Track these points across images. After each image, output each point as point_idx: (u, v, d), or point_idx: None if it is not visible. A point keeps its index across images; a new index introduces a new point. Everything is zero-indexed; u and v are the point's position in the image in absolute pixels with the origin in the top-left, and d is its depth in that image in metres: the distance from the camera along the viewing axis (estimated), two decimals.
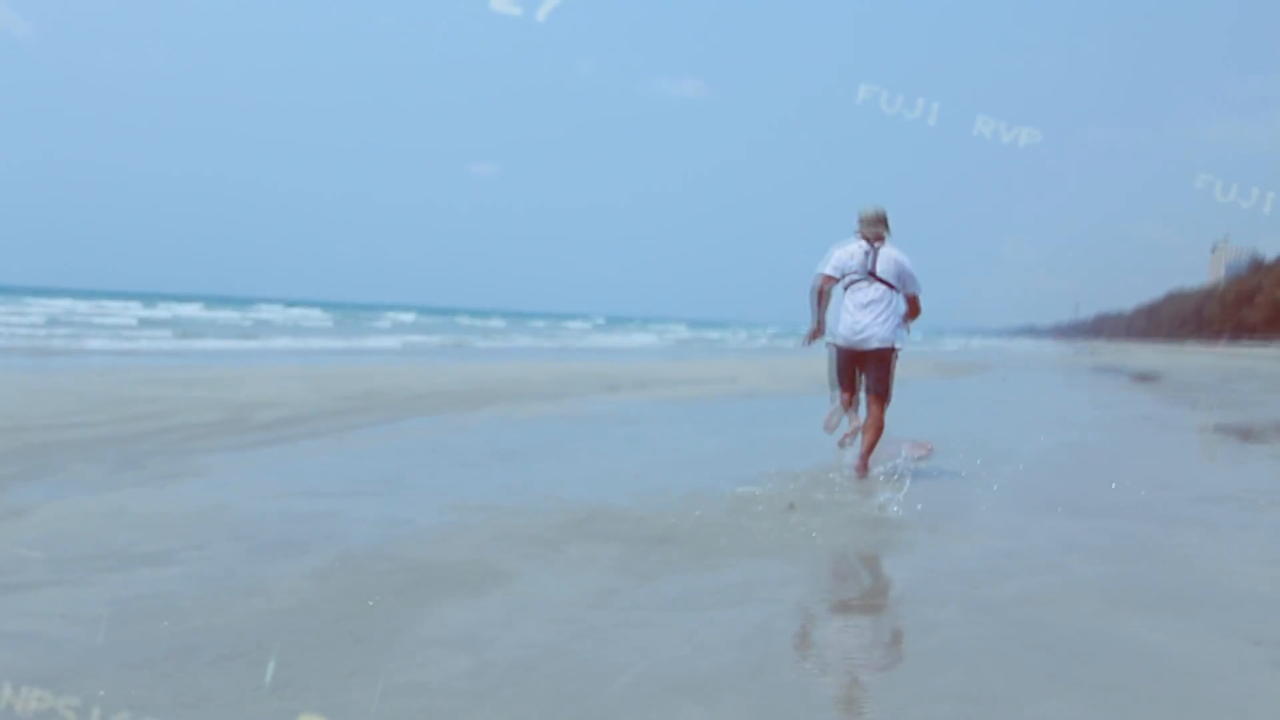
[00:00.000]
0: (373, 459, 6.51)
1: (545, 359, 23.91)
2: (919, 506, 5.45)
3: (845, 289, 6.46)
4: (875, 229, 6.47)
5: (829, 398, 6.66)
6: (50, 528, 4.30)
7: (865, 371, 6.45)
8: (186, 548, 4.02)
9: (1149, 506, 5.69)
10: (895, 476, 6.09)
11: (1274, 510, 5.67)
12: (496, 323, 65.59)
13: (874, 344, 6.36)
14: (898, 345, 6.44)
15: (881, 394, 6.40)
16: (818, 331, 6.53)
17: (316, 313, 59.78)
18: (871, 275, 6.37)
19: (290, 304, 72.13)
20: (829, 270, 6.43)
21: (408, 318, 62.72)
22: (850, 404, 6.55)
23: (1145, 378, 25.32)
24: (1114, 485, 6.48)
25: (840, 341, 6.45)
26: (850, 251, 6.45)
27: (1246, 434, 10.37)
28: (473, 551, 4.07)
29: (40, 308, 40.44)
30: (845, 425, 6.64)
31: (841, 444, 6.66)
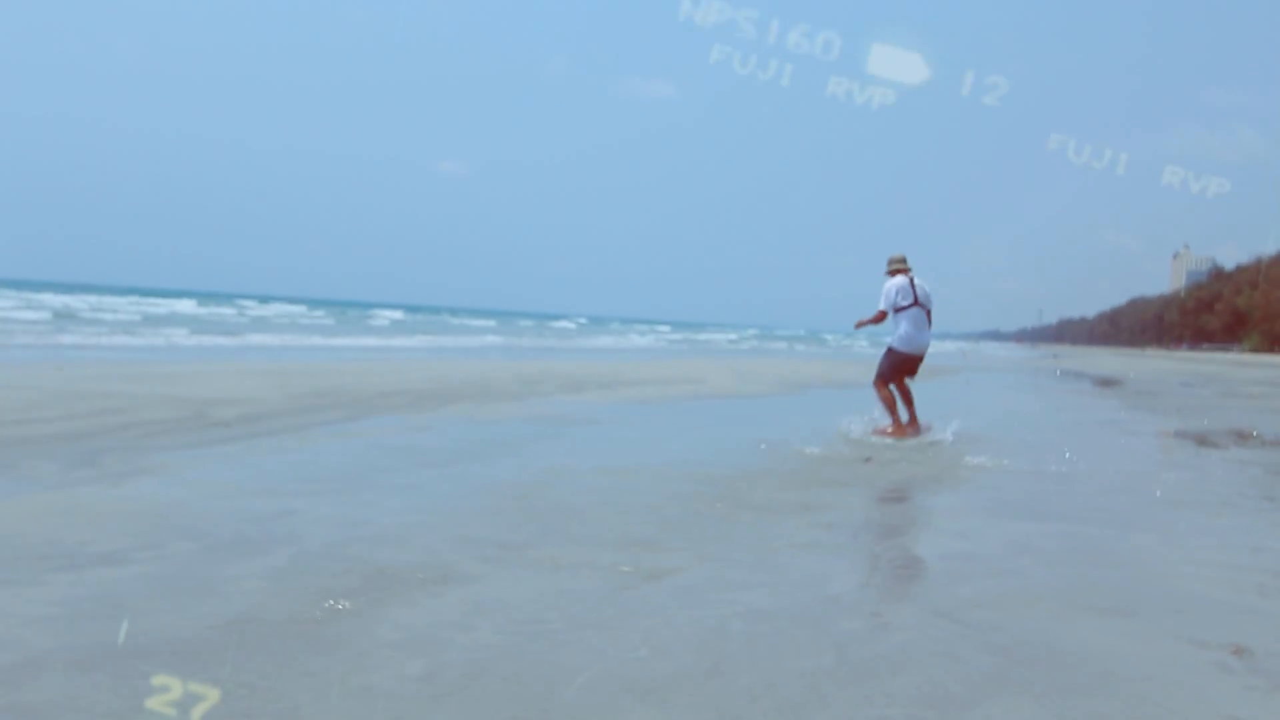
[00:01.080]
0: (332, 458, 6.46)
1: (519, 358, 23.84)
2: (876, 510, 5.50)
3: (895, 312, 8.88)
4: (903, 265, 9.01)
5: (881, 408, 8.99)
6: (1, 526, 4.23)
7: (912, 369, 9.01)
8: (140, 547, 3.97)
9: (1105, 510, 5.77)
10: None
11: (1226, 514, 5.76)
12: (486, 322, 65.72)
13: (927, 352, 9.10)
14: None
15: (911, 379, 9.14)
16: (864, 324, 9.16)
17: (302, 309, 59.61)
18: (916, 302, 8.86)
19: (264, 300, 71.63)
20: (885, 307, 8.92)
21: (396, 315, 63.00)
22: (892, 398, 8.88)
23: (1106, 382, 25.64)
24: (1071, 489, 6.57)
25: (913, 350, 8.93)
26: (899, 286, 8.88)
27: (1203, 439, 10.52)
28: (430, 553, 4.06)
29: (37, 302, 39.90)
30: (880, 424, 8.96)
31: (895, 431, 8.75)
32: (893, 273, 8.97)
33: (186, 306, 50.63)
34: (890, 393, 8.87)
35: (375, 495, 5.25)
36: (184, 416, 7.95)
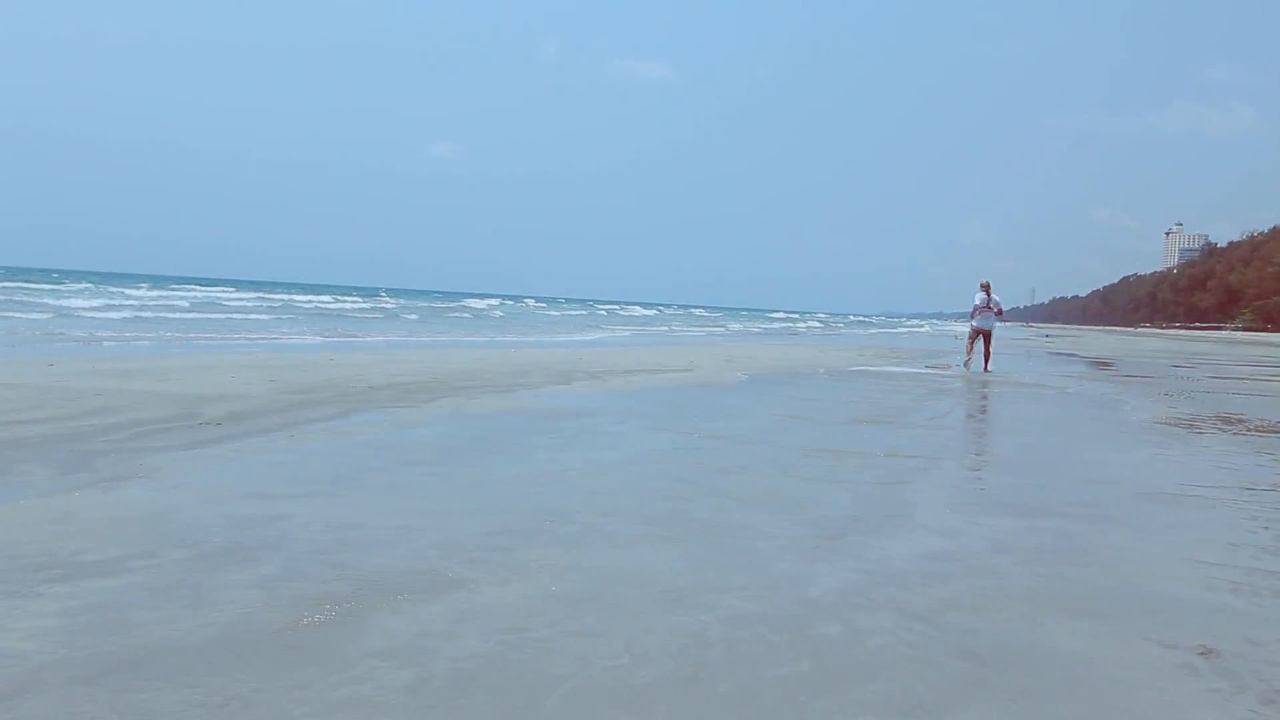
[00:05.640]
0: (322, 457, 6.52)
1: (512, 347, 23.87)
2: (857, 507, 5.58)
3: (974, 309, 21.07)
4: (987, 285, 20.79)
5: (966, 349, 21.17)
6: None
7: (982, 335, 20.90)
8: (135, 556, 4.04)
9: (1086, 505, 5.86)
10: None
11: (1205, 507, 5.86)
12: (538, 305, 67.24)
13: (992, 330, 21.30)
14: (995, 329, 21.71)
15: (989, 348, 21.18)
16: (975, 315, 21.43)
17: (345, 297, 59.95)
18: (977, 308, 20.92)
19: (275, 288, 72.00)
20: (975, 304, 21.07)
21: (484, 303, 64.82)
22: (971, 348, 21.02)
23: (1098, 364, 25.77)
24: (1054, 482, 6.66)
25: (978, 326, 20.77)
26: (978, 298, 20.74)
27: (1190, 425, 10.63)
28: (418, 558, 4.13)
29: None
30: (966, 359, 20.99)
31: (967, 366, 20.58)
32: (983, 286, 20.39)
33: (277, 296, 50.55)
34: (970, 345, 20.49)
35: (364, 497, 5.32)
36: (175, 415, 8.00)
